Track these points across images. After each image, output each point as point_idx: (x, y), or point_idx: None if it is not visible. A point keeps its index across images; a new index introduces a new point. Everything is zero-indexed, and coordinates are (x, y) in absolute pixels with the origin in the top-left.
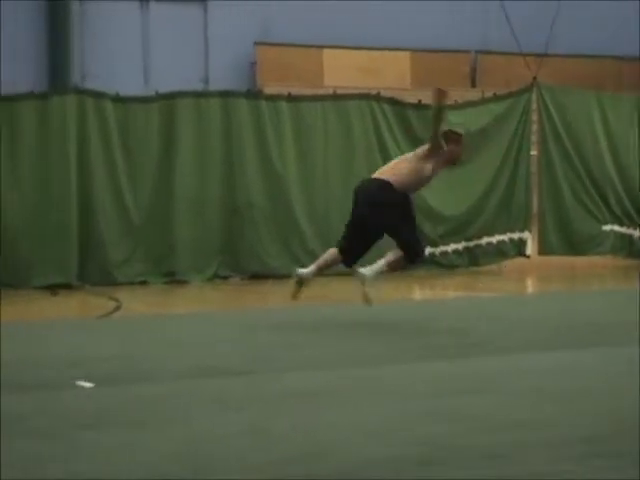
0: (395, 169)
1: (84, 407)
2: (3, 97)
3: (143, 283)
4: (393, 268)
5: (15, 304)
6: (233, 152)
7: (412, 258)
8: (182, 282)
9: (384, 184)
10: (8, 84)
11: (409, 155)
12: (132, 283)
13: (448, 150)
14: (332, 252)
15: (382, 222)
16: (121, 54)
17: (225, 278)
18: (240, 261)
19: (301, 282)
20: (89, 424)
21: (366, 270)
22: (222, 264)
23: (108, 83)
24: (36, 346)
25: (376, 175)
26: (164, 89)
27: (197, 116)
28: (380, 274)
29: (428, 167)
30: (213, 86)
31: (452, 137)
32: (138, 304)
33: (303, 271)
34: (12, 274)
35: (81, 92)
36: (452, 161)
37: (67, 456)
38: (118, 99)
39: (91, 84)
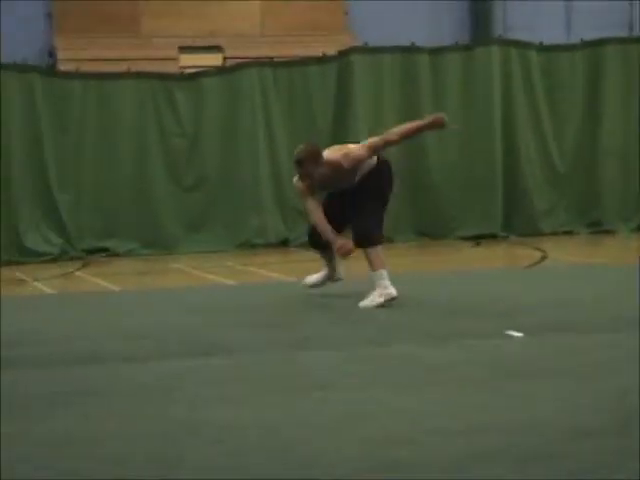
0: None
1: (513, 356)
2: (430, 49)
3: (568, 233)
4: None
5: (438, 254)
6: None
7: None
8: (608, 232)
9: None
10: (434, 39)
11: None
12: (556, 233)
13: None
14: None
15: None
16: (543, 6)
17: None
18: None
19: None
20: (517, 373)
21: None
22: None
23: (530, 35)
24: (465, 296)
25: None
26: (587, 38)
27: (623, 62)
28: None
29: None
30: (638, 32)
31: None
32: (563, 254)
33: None
34: (437, 225)
35: (505, 43)
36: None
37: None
38: (542, 48)
39: (514, 36)
